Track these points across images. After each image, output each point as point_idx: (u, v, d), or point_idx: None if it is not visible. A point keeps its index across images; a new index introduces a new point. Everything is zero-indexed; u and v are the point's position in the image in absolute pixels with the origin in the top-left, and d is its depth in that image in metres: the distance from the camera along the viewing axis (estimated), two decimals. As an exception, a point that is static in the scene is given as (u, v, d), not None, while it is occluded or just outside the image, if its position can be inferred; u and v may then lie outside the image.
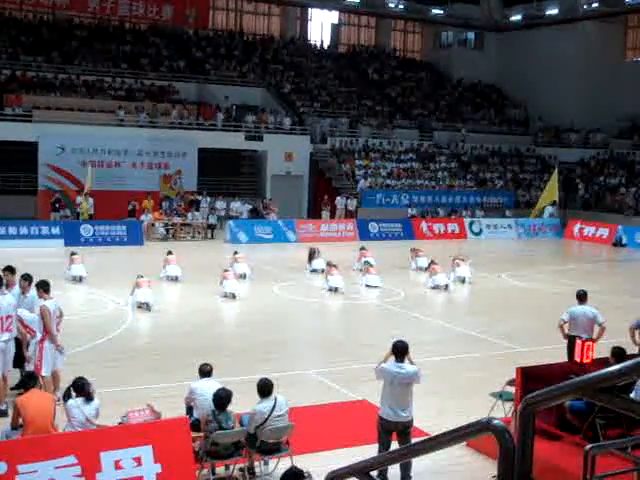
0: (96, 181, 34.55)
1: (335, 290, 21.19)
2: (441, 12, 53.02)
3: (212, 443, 8.57)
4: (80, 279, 21.27)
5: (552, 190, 37.50)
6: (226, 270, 20.58)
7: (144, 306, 18.35)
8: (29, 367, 11.12)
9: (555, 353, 13.22)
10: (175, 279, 21.86)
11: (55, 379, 11.32)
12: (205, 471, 8.80)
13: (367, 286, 22.20)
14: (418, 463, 8.62)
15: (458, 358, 15.15)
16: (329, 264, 22.12)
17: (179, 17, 45.84)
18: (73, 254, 21.88)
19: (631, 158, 45.71)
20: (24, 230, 28.51)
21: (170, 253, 22.50)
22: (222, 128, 39.13)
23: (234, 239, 30.63)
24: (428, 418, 10.46)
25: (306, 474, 6.54)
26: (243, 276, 22.33)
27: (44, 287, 11.41)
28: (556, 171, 38.65)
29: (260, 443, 8.79)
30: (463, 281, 23.41)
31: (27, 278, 12.17)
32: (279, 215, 34.58)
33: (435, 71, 54.44)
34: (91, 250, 26.36)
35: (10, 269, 12.35)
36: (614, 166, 45.96)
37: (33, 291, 11.90)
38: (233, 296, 19.95)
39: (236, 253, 23.51)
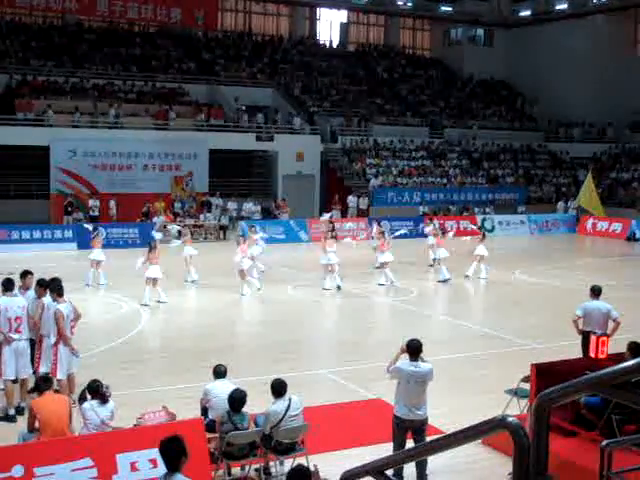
0: (108, 184, 34.74)
1: (331, 264, 21.41)
2: (450, 9, 52.92)
3: (227, 444, 8.58)
4: (98, 264, 21.49)
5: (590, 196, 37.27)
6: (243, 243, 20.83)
7: (151, 281, 19.14)
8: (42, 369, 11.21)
9: (570, 349, 13.17)
10: (190, 258, 22.13)
11: (70, 382, 11.35)
12: (221, 472, 8.80)
13: (380, 264, 22.40)
14: (433, 461, 8.61)
15: (472, 355, 15.11)
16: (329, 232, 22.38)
17: (188, 19, 45.92)
18: (95, 237, 22.12)
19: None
20: (37, 234, 28.69)
21: (189, 234, 23.09)
22: (233, 129, 39.17)
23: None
24: (443, 416, 10.44)
25: (313, 469, 6.52)
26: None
27: (57, 290, 11.41)
28: (589, 175, 38.22)
29: (275, 443, 8.79)
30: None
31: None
32: (291, 215, 34.64)
33: (445, 68, 54.33)
34: (104, 252, 26.42)
35: (30, 272, 12.44)
36: (626, 160, 45.76)
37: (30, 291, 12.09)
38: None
39: (252, 228, 23.74)
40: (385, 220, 31.25)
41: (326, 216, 27.24)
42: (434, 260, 24.67)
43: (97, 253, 21.65)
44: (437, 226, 26.21)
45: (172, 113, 38.05)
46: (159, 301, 19.27)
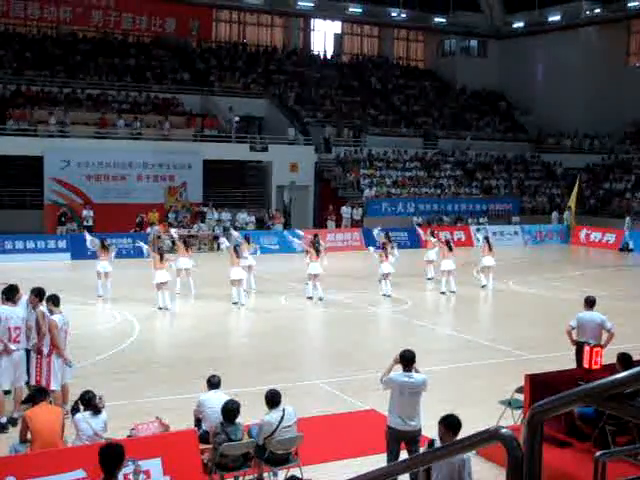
0: (102, 194, 34.70)
1: (315, 277, 21.38)
2: (443, 20, 53.08)
3: (221, 455, 8.55)
4: (106, 275, 21.28)
5: (572, 197, 38.11)
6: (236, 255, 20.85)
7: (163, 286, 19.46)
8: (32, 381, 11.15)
9: (563, 360, 13.18)
10: (186, 271, 22.08)
11: (64, 393, 11.31)
12: (214, 483, 8.78)
13: (382, 275, 22.36)
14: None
15: (466, 366, 15.11)
16: (313, 244, 22.32)
17: (182, 29, 46.02)
18: (103, 247, 21.69)
19: (636, 163, 45.63)
20: (31, 244, 28.64)
21: (185, 243, 23.04)
22: (226, 139, 39.19)
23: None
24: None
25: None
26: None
27: (53, 301, 11.38)
28: (577, 181, 38.78)
29: (269, 454, 8.77)
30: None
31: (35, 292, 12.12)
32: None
33: (438, 79, 54.50)
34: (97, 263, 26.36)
35: (15, 289, 12.19)
36: (619, 171, 45.90)
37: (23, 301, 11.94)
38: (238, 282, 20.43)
39: (247, 239, 23.63)
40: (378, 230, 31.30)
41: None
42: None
43: (105, 264, 21.37)
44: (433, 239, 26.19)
45: (120, 121, 37.79)
46: (165, 307, 19.57)
